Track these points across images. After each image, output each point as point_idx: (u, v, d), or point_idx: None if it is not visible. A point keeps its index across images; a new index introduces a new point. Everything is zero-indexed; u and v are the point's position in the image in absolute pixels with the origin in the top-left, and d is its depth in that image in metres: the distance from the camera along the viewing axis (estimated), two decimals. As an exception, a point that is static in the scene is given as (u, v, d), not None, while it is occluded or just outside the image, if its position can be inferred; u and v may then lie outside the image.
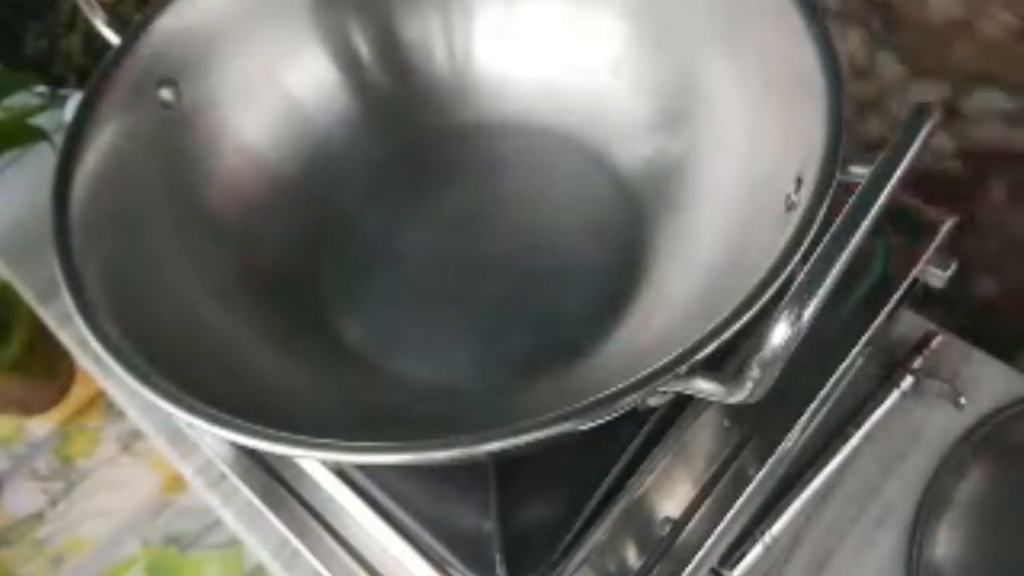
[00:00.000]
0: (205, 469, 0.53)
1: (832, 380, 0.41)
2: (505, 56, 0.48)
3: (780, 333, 0.24)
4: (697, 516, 0.39)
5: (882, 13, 0.44)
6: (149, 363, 0.30)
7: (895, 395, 0.47)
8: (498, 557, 0.35)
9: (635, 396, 0.26)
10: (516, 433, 0.26)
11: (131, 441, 1.26)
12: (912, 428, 0.47)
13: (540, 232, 0.45)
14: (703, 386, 0.26)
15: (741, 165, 0.38)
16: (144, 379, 0.29)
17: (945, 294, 0.44)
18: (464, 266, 0.44)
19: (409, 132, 0.48)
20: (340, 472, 0.40)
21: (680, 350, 0.26)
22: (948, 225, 0.43)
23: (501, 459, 0.36)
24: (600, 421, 0.26)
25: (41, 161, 0.67)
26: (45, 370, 1.25)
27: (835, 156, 0.30)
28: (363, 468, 0.39)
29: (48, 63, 0.68)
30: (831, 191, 0.29)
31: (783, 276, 0.27)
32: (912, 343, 0.49)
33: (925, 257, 0.43)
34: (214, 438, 0.47)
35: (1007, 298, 0.56)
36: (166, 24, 0.41)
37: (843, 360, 0.41)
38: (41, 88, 0.68)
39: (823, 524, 0.45)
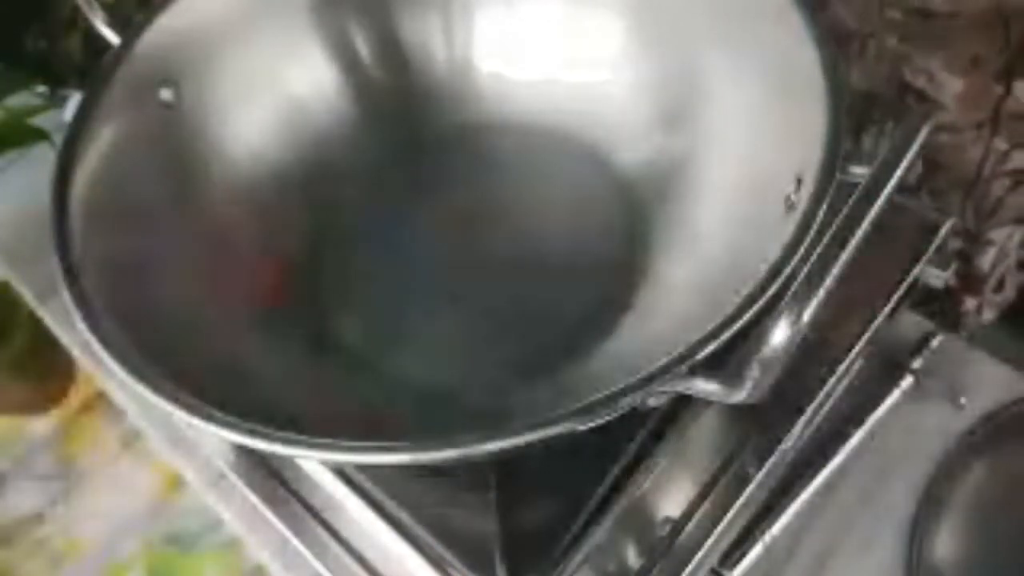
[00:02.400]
0: (205, 469, 0.53)
1: (832, 380, 0.41)
2: (505, 56, 0.48)
3: (780, 333, 0.24)
4: (697, 516, 0.39)
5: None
6: (149, 363, 0.30)
7: (895, 395, 0.47)
8: (498, 557, 0.35)
9: (635, 396, 0.26)
10: (516, 433, 0.26)
11: (131, 441, 1.25)
12: (912, 428, 0.47)
13: (540, 232, 0.45)
14: (703, 386, 0.26)
15: (741, 165, 0.38)
16: (144, 379, 0.29)
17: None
18: (464, 266, 0.44)
19: (409, 132, 0.48)
20: (340, 472, 0.40)
21: (680, 350, 0.26)
22: (948, 225, 0.43)
23: (501, 459, 0.36)
24: (600, 421, 0.26)
25: (41, 161, 0.67)
26: (45, 370, 1.25)
27: (835, 156, 0.30)
28: (363, 468, 0.39)
29: (48, 63, 0.68)
30: (831, 191, 0.29)
31: (783, 276, 0.27)
32: (912, 343, 0.49)
33: (925, 257, 0.43)
34: (214, 438, 0.47)
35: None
36: (166, 24, 0.41)
37: (843, 360, 0.41)
38: (41, 88, 0.68)
39: (823, 524, 0.45)
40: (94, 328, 0.31)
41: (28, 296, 0.64)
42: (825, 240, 0.25)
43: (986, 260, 0.50)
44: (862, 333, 0.42)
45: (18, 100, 0.67)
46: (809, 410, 0.41)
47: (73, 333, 0.61)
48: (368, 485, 0.39)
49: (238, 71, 0.44)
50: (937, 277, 0.44)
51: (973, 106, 0.43)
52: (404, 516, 0.38)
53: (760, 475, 0.40)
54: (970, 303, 0.52)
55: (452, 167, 0.48)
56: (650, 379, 0.26)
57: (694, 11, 0.41)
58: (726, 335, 0.26)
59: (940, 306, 0.47)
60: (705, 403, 0.39)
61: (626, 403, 0.26)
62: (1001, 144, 0.44)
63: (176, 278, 0.38)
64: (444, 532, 0.36)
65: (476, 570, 0.35)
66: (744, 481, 0.40)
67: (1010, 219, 0.48)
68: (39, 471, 1.26)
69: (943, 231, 0.43)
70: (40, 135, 0.65)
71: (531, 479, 0.37)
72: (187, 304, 0.37)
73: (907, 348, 0.49)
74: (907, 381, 0.47)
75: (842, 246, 0.25)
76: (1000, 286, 0.52)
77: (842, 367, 0.41)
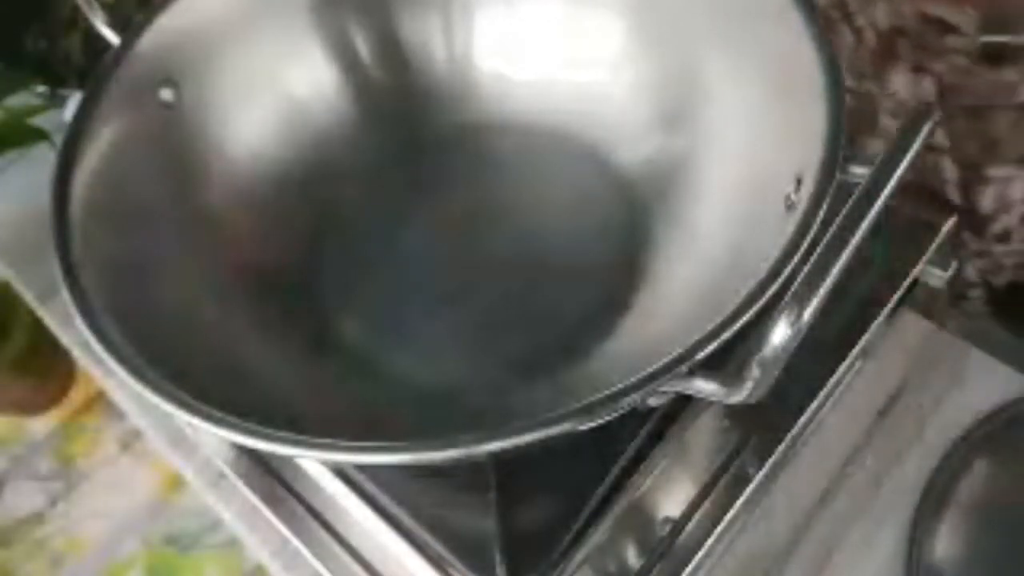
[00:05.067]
0: (205, 469, 0.53)
1: (832, 380, 0.41)
2: (505, 56, 0.48)
3: (780, 333, 0.24)
4: (697, 516, 0.39)
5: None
6: (149, 363, 0.30)
7: (894, 395, 0.47)
8: (498, 557, 0.35)
9: (635, 396, 0.26)
10: (516, 433, 0.26)
11: (131, 441, 1.26)
12: (911, 428, 0.47)
13: (539, 232, 0.45)
14: (703, 386, 0.26)
15: (741, 165, 0.38)
16: (144, 379, 0.29)
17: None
18: (464, 266, 0.44)
19: (409, 132, 0.48)
20: (340, 472, 0.40)
21: (680, 350, 0.26)
22: (948, 225, 0.43)
23: (501, 459, 0.36)
24: (600, 421, 0.26)
25: (41, 161, 0.67)
26: (45, 370, 1.25)
27: (835, 156, 0.30)
28: (363, 468, 0.39)
29: (48, 63, 0.68)
30: (831, 191, 0.29)
31: (783, 276, 0.27)
32: (912, 343, 0.49)
33: (925, 257, 0.43)
34: (214, 438, 0.47)
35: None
36: (166, 24, 0.41)
37: (843, 360, 0.41)
38: (41, 88, 0.68)
39: (823, 524, 0.45)
40: (94, 328, 0.30)
41: (28, 296, 0.64)
42: (825, 240, 0.25)
43: (987, 198, 0.50)
44: (862, 333, 0.42)
45: (18, 100, 0.67)
46: (809, 410, 0.41)
47: (73, 333, 0.61)
48: (368, 485, 0.39)
49: (238, 71, 0.44)
50: (937, 277, 0.44)
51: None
52: (404, 516, 0.38)
53: (760, 475, 0.40)
54: (972, 244, 0.50)
55: (452, 167, 0.48)
56: (650, 379, 0.26)
57: (694, 11, 0.41)
58: (726, 335, 0.26)
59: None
60: (705, 403, 0.39)
61: (626, 403, 0.26)
62: (1011, 75, 0.44)
63: (176, 278, 0.38)
64: (444, 532, 0.36)
65: (476, 570, 0.35)
66: (744, 481, 0.40)
67: (1012, 159, 0.48)
68: (39, 471, 1.26)
69: (943, 231, 0.43)
70: (40, 135, 0.66)
71: (531, 479, 0.37)
72: (187, 304, 0.37)
73: (907, 348, 0.49)
74: (906, 381, 0.47)
75: (842, 246, 0.25)
76: (1006, 237, 0.51)
77: (842, 367, 0.41)
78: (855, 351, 0.41)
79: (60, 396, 1.31)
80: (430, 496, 0.38)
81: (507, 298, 0.42)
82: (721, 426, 0.41)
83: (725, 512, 0.39)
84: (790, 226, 0.29)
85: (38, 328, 0.70)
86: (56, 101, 0.67)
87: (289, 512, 0.44)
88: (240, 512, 0.50)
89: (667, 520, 0.39)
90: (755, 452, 0.40)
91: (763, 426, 0.41)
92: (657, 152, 0.44)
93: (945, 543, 0.44)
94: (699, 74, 0.41)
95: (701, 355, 0.26)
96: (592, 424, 0.26)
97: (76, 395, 1.32)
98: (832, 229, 0.26)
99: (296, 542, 0.43)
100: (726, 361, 0.27)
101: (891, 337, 0.47)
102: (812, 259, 0.25)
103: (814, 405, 0.41)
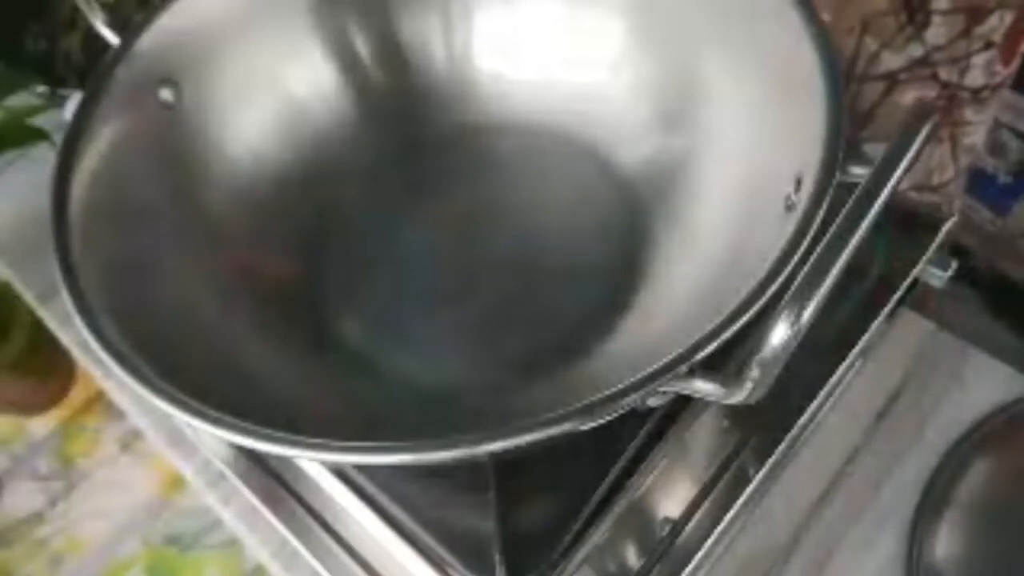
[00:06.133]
0: (205, 469, 0.53)
1: (832, 381, 0.41)
2: (505, 56, 0.48)
3: (780, 333, 0.24)
4: (697, 516, 0.39)
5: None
6: (148, 364, 0.30)
7: (894, 395, 0.47)
8: (498, 557, 0.35)
9: (635, 396, 0.26)
10: (516, 433, 0.26)
11: (131, 441, 1.26)
12: (911, 428, 0.47)
13: (539, 232, 0.45)
14: (703, 386, 0.26)
15: (741, 165, 0.38)
16: (143, 379, 0.29)
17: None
18: (464, 266, 0.44)
19: (409, 132, 0.48)
20: (340, 472, 0.40)
21: (680, 350, 0.26)
22: (948, 225, 0.43)
23: (501, 459, 0.36)
24: (600, 421, 0.26)
25: (41, 161, 0.67)
26: (45, 370, 1.25)
27: (835, 156, 0.30)
28: (363, 468, 0.39)
29: (48, 63, 0.68)
30: (831, 191, 0.29)
31: (783, 276, 0.27)
32: (911, 343, 0.49)
33: (925, 257, 0.43)
34: (214, 438, 0.47)
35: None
36: (166, 24, 0.41)
37: (843, 360, 0.41)
38: (41, 88, 0.68)
39: (823, 524, 0.45)
40: (93, 328, 0.30)
41: (28, 296, 0.64)
42: (825, 240, 0.25)
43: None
44: (862, 333, 0.42)
45: (18, 100, 0.67)
46: (809, 410, 0.41)
47: (73, 333, 0.61)
48: (368, 485, 0.39)
49: (238, 71, 0.44)
50: (937, 277, 0.44)
51: (845, 2, 0.43)
52: (404, 516, 0.38)
53: (760, 475, 0.40)
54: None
55: (452, 167, 0.48)
56: (650, 379, 0.26)
57: (694, 11, 0.41)
58: (726, 335, 0.26)
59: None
60: (705, 403, 0.39)
61: (626, 403, 0.26)
62: (871, 43, 0.44)
63: (176, 278, 0.38)
64: (444, 532, 0.36)
65: (476, 570, 0.35)
66: (744, 481, 0.40)
67: (884, 135, 0.48)
68: (39, 471, 1.26)
69: (943, 231, 0.43)
70: (40, 135, 0.66)
71: (531, 479, 0.37)
72: (187, 304, 0.37)
73: (907, 348, 0.49)
74: (906, 381, 0.47)
75: (842, 246, 0.25)
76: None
77: (842, 367, 0.41)
78: (855, 351, 0.42)
79: (60, 396, 1.31)
80: (430, 496, 0.38)
81: (507, 298, 0.42)
82: (721, 426, 0.41)
83: (725, 512, 0.39)
84: (790, 226, 0.29)
85: (38, 328, 0.70)
86: (56, 101, 0.67)
87: (289, 512, 0.44)
88: (240, 512, 0.50)
89: (667, 520, 0.39)
90: (755, 452, 0.40)
91: (763, 426, 0.41)
92: (657, 152, 0.44)
93: (945, 543, 0.44)
94: (699, 74, 0.41)
95: (701, 355, 0.26)
96: (592, 424, 0.26)
97: (76, 395, 1.32)
98: (832, 229, 0.26)
99: (296, 542, 0.43)
100: (726, 361, 0.27)
101: (891, 337, 0.47)
102: (812, 259, 0.25)
103: (814, 405, 0.41)
